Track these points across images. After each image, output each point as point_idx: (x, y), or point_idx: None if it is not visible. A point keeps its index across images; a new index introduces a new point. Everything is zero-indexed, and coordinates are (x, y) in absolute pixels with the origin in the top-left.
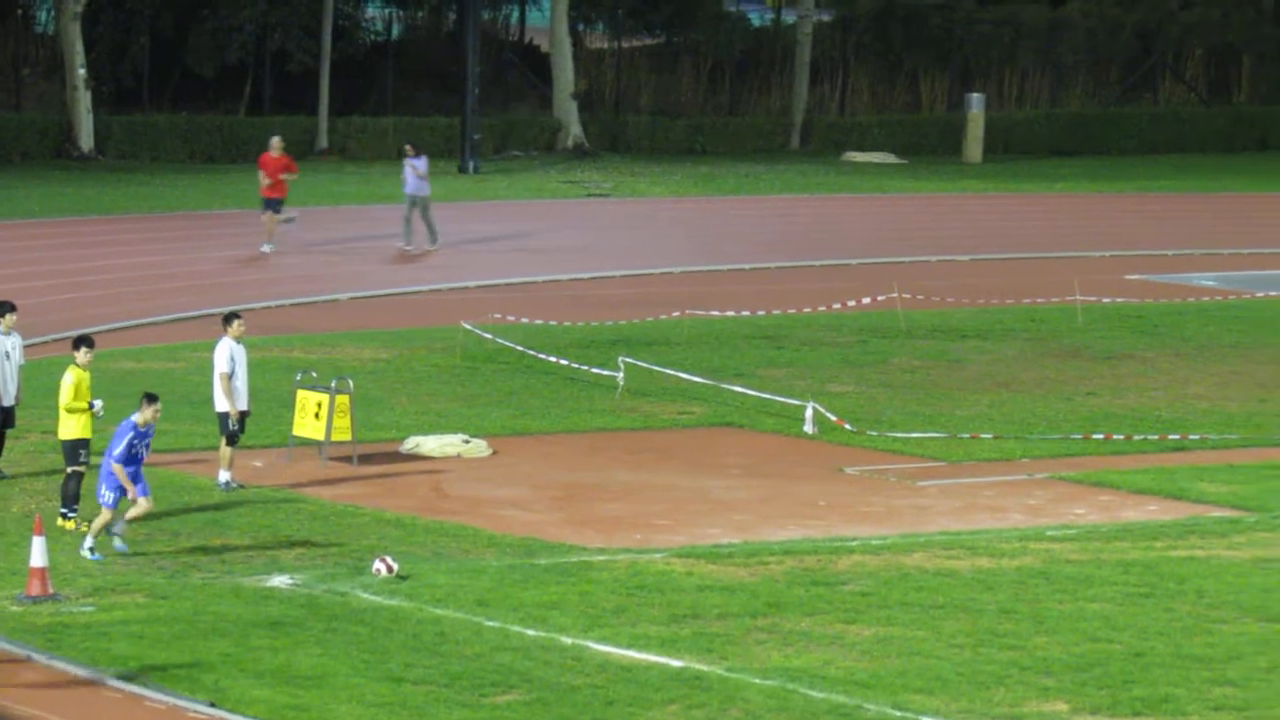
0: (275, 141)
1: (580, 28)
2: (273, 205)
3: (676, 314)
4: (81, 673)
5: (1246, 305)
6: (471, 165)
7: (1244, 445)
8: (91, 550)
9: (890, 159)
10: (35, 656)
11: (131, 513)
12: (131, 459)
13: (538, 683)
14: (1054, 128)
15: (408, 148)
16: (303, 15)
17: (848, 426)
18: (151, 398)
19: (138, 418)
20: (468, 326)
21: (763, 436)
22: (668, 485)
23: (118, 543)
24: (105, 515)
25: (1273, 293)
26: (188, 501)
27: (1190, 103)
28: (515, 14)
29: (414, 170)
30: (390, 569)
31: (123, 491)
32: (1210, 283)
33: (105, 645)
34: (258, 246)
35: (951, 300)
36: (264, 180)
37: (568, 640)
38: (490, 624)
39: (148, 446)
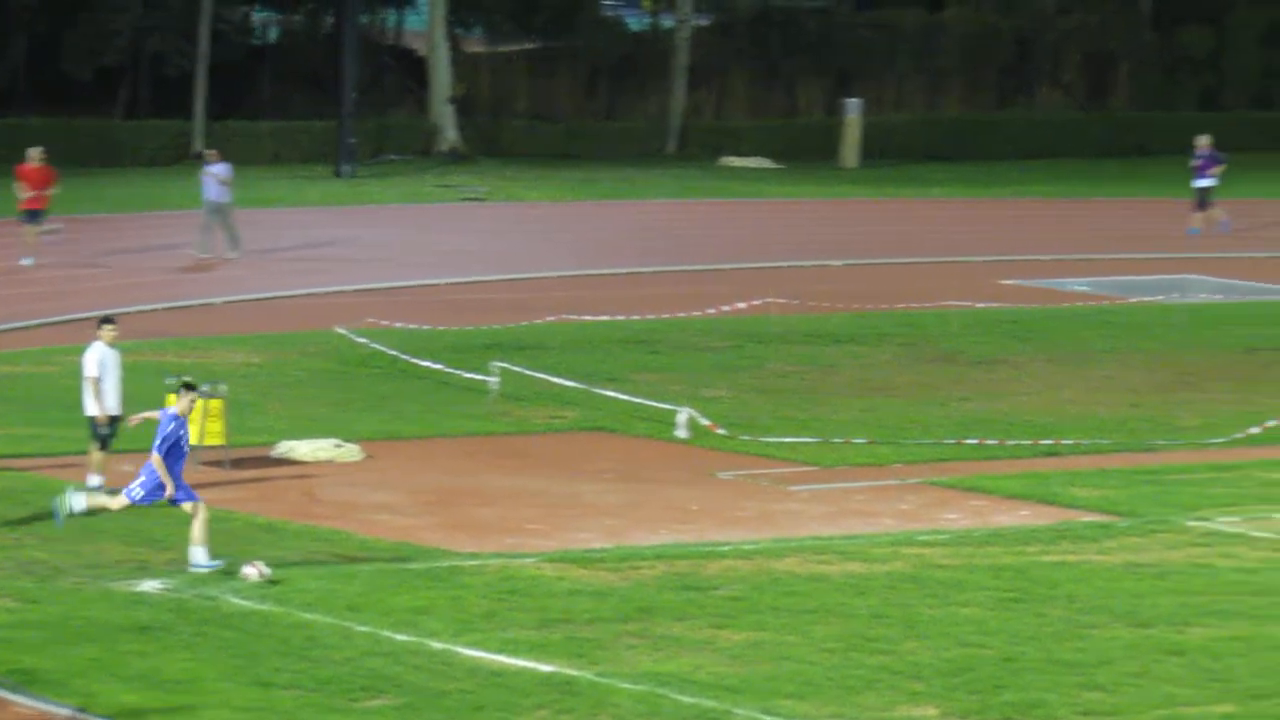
0: (34, 152)
1: (458, 31)
2: (33, 217)
3: (551, 318)
4: None
5: (1120, 310)
6: (347, 169)
7: (1116, 450)
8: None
9: (767, 164)
10: None
11: (197, 523)
12: (177, 453)
13: (407, 688)
14: (931, 133)
15: (211, 153)
16: (180, 18)
17: (720, 431)
18: (189, 386)
19: (175, 408)
20: (341, 331)
21: (636, 441)
22: (540, 490)
23: (79, 500)
24: (117, 501)
25: (1146, 298)
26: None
27: (1067, 108)
28: (392, 18)
29: (215, 177)
30: (261, 574)
31: (159, 492)
32: (1084, 288)
33: None
34: (16, 260)
35: (826, 305)
36: (23, 192)
37: (438, 645)
38: (360, 629)
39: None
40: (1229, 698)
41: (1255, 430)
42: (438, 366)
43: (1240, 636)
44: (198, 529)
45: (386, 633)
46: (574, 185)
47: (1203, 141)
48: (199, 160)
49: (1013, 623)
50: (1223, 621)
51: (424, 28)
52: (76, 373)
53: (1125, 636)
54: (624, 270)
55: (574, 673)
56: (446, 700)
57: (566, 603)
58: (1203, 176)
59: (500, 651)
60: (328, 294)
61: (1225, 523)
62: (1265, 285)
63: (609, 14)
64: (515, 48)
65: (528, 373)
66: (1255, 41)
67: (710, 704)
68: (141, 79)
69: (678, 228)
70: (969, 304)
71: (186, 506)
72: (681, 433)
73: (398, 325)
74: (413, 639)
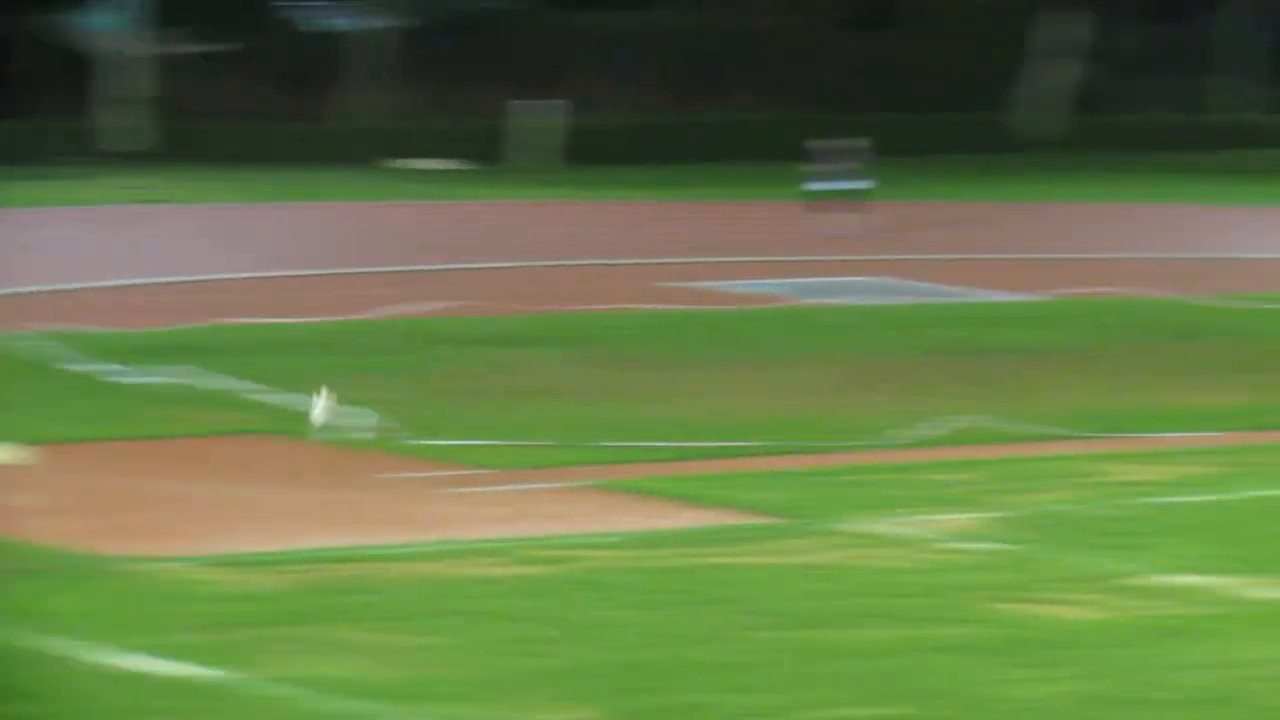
0: None
1: (146, 31)
2: None
3: (227, 320)
4: None
5: (802, 312)
6: (25, 170)
7: (788, 452)
8: None
9: (456, 165)
10: None
11: None
12: None
13: (46, 694)
14: (630, 135)
15: None
16: None
17: (396, 435)
18: None
19: None
20: (9, 333)
21: (306, 445)
22: (207, 494)
23: None
24: None
25: (827, 299)
26: None
27: (766, 110)
28: (76, 17)
29: None
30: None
31: None
32: (766, 289)
33: None
34: None
35: (502, 307)
36: None
37: (82, 651)
38: None
39: None
40: (893, 700)
41: (929, 432)
42: (108, 368)
43: (906, 638)
44: None
45: (26, 638)
46: (260, 187)
47: (847, 145)
48: None
49: (679, 625)
50: (889, 624)
51: (110, 27)
52: None
53: (791, 638)
54: (304, 273)
55: (225, 675)
56: (88, 705)
57: (223, 607)
58: (840, 179)
59: (152, 655)
60: None
61: (894, 524)
62: (947, 287)
63: (298, 15)
64: (202, 48)
65: (201, 375)
66: (953, 45)
67: (366, 706)
68: None
69: (362, 230)
70: (646, 306)
71: None
72: (356, 435)
73: (69, 328)
74: (56, 644)
